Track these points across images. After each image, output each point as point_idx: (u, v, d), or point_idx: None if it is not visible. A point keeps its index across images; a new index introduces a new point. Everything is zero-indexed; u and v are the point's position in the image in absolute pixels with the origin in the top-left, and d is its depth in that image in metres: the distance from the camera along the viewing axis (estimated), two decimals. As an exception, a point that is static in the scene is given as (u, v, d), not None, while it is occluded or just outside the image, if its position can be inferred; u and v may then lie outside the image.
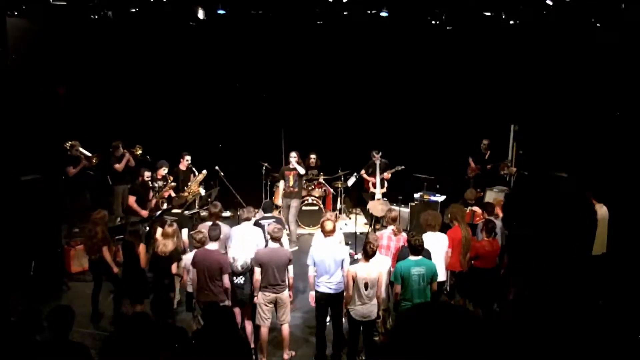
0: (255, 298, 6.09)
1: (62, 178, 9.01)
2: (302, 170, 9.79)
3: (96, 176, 9.81)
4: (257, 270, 5.96)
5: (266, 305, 6.03)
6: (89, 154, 9.56)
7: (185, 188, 9.05)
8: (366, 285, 5.64)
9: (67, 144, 9.37)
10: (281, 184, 9.96)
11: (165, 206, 8.47)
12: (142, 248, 6.53)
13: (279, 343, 6.35)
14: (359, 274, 5.65)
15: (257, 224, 7.05)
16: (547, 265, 6.96)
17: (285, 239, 7.13)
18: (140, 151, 9.93)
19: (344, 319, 6.06)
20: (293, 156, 9.69)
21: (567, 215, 7.55)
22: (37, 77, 9.63)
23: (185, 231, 7.31)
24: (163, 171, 8.78)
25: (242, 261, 6.13)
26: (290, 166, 9.67)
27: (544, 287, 6.68)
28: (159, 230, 6.73)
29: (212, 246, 6.02)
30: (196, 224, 7.57)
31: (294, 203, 9.60)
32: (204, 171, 9.32)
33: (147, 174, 8.49)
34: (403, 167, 10.23)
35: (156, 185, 8.66)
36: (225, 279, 5.87)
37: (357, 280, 5.65)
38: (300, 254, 8.28)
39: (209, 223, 6.84)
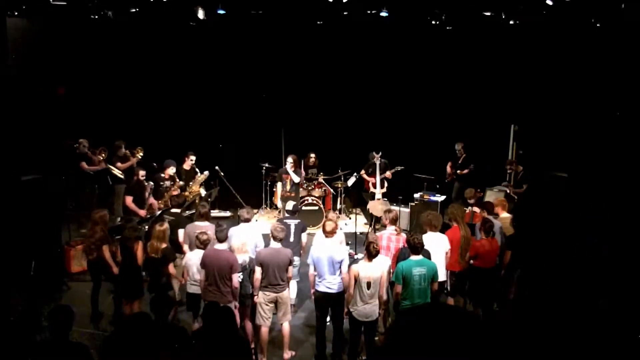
0: (256, 297, 6.09)
1: (63, 178, 9.03)
2: (296, 179, 9.72)
3: (95, 175, 9.82)
4: (258, 270, 5.96)
5: (267, 305, 6.03)
6: (97, 150, 9.70)
7: (187, 188, 9.06)
8: (368, 285, 5.64)
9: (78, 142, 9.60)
10: (279, 185, 9.91)
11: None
12: (139, 246, 6.52)
13: (279, 343, 6.34)
14: (361, 273, 5.66)
15: (282, 222, 7.07)
16: (547, 265, 6.96)
17: (304, 238, 7.16)
18: (141, 153, 9.96)
19: (345, 319, 6.06)
20: (289, 162, 9.70)
21: (569, 215, 7.56)
22: (37, 77, 9.64)
23: (182, 231, 7.30)
24: (171, 171, 8.81)
25: (241, 259, 6.12)
26: (288, 169, 9.72)
27: (544, 287, 6.69)
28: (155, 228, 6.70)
29: (221, 246, 6.02)
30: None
31: None
32: (206, 172, 9.33)
33: (142, 173, 8.50)
34: (403, 167, 10.23)
35: (164, 185, 8.66)
36: (235, 278, 5.87)
37: (360, 280, 5.66)
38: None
39: (200, 223, 6.83)
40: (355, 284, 5.68)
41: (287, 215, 7.45)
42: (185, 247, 6.80)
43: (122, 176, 9.55)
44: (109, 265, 6.76)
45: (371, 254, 5.69)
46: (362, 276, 5.65)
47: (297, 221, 7.23)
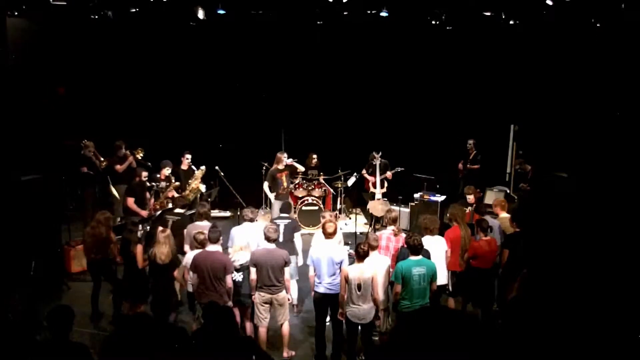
0: (253, 297, 6.09)
1: (63, 178, 9.03)
2: (302, 167, 9.63)
3: (96, 175, 9.83)
4: (253, 270, 5.96)
5: (262, 305, 6.03)
6: (102, 158, 9.68)
7: (187, 187, 9.05)
8: (359, 286, 5.63)
9: (82, 143, 9.53)
10: (265, 186, 9.42)
11: (169, 206, 8.47)
12: (138, 248, 6.49)
13: (279, 343, 6.34)
14: (350, 274, 5.65)
15: (273, 222, 7.03)
16: (548, 266, 6.95)
17: (298, 237, 7.13)
18: (141, 154, 9.95)
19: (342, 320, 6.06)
20: (285, 156, 9.41)
21: (569, 215, 7.55)
22: (37, 77, 9.64)
23: (185, 231, 7.30)
24: (167, 171, 8.80)
25: (243, 260, 6.11)
26: (280, 167, 9.29)
27: (544, 287, 6.67)
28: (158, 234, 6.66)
29: (212, 248, 6.01)
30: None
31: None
32: (203, 167, 9.31)
33: (144, 174, 8.50)
34: (402, 168, 10.23)
35: (160, 185, 8.66)
36: (228, 279, 5.86)
37: (350, 281, 5.65)
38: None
39: (200, 223, 6.82)
40: (347, 286, 5.67)
41: (281, 215, 7.44)
42: (186, 247, 6.79)
43: (117, 196, 9.51)
44: (114, 263, 6.75)
45: (359, 255, 5.70)
46: (351, 277, 5.64)
47: (287, 221, 7.19)
